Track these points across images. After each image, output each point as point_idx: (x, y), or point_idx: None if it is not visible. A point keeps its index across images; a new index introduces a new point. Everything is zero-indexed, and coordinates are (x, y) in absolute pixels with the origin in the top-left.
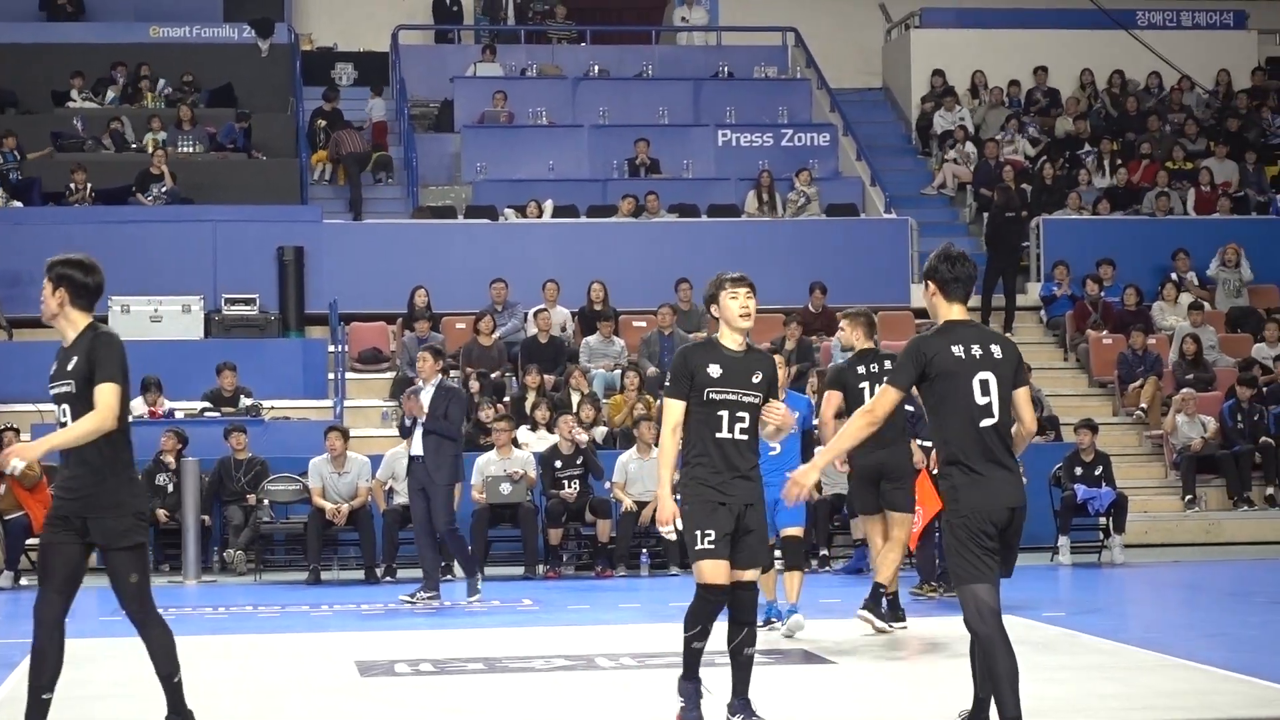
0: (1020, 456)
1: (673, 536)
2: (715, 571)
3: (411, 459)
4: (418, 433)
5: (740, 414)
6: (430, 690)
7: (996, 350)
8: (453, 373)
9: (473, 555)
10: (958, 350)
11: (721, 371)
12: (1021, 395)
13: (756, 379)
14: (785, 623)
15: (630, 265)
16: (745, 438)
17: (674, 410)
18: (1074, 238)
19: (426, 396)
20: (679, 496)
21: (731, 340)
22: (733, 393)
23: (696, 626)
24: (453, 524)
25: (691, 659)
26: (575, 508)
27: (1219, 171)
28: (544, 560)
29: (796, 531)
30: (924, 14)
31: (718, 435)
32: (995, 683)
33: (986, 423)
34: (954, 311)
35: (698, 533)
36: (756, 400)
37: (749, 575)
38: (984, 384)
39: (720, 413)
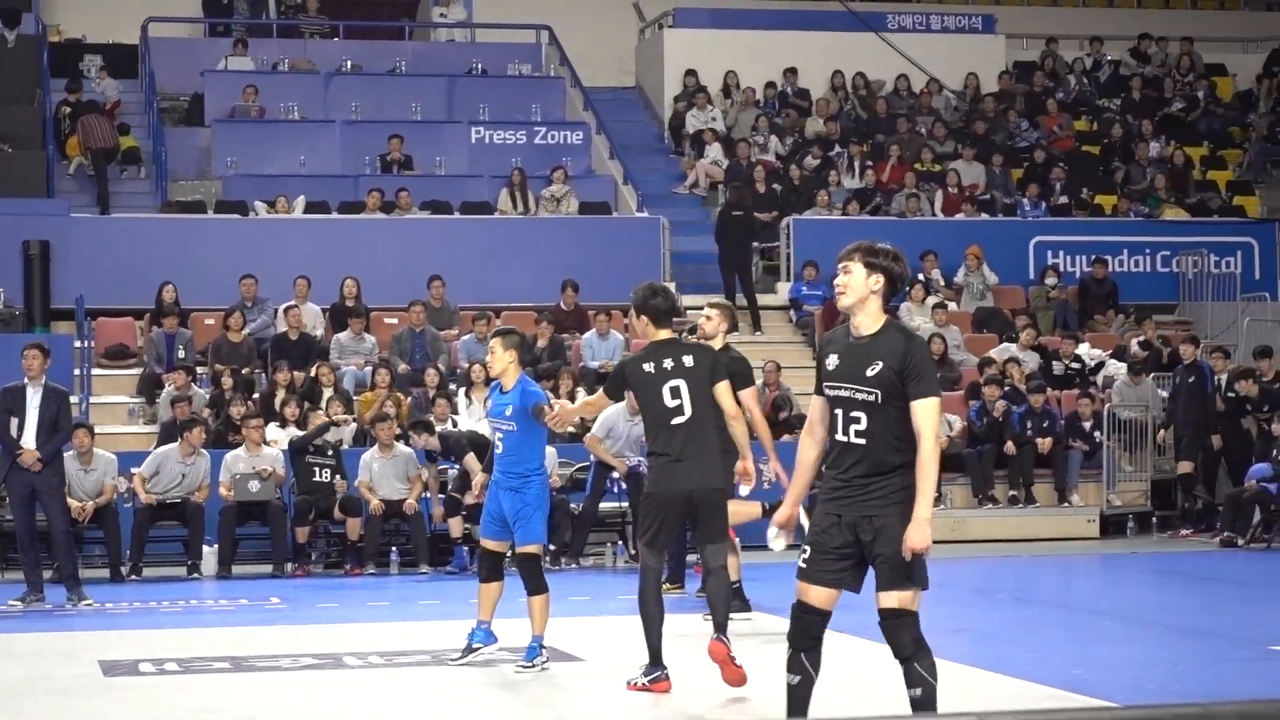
0: (759, 445)
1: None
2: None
3: (15, 464)
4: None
5: (854, 413)
6: (175, 689)
7: (688, 360)
8: (199, 370)
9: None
10: (648, 366)
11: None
12: (719, 389)
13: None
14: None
15: (382, 262)
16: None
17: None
18: (824, 238)
19: (34, 397)
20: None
21: (853, 326)
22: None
23: None
24: (70, 524)
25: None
26: (325, 505)
27: (966, 174)
28: (292, 558)
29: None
30: (677, 14)
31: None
32: (647, 624)
33: (677, 421)
34: (661, 334)
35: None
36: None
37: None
38: (674, 389)
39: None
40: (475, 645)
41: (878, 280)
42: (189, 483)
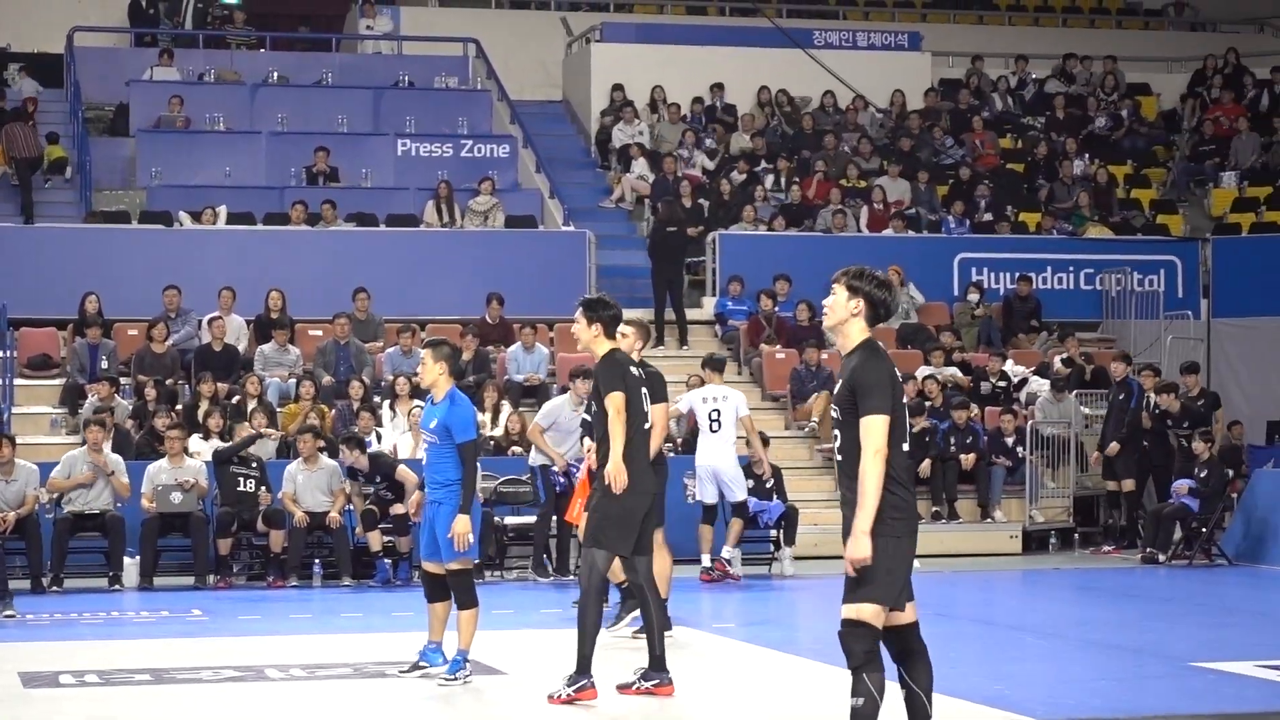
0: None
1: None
2: None
3: None
4: None
5: (835, 430)
6: (95, 702)
7: (638, 371)
8: (122, 381)
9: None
10: (634, 370)
11: None
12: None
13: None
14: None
15: (307, 274)
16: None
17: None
18: (750, 253)
19: None
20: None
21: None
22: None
23: None
24: None
25: None
26: (248, 517)
27: (892, 190)
28: (215, 570)
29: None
30: (604, 28)
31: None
32: (587, 631)
33: (646, 426)
34: (609, 344)
35: None
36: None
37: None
38: (645, 396)
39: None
40: (422, 664)
41: (858, 304)
42: (99, 483)
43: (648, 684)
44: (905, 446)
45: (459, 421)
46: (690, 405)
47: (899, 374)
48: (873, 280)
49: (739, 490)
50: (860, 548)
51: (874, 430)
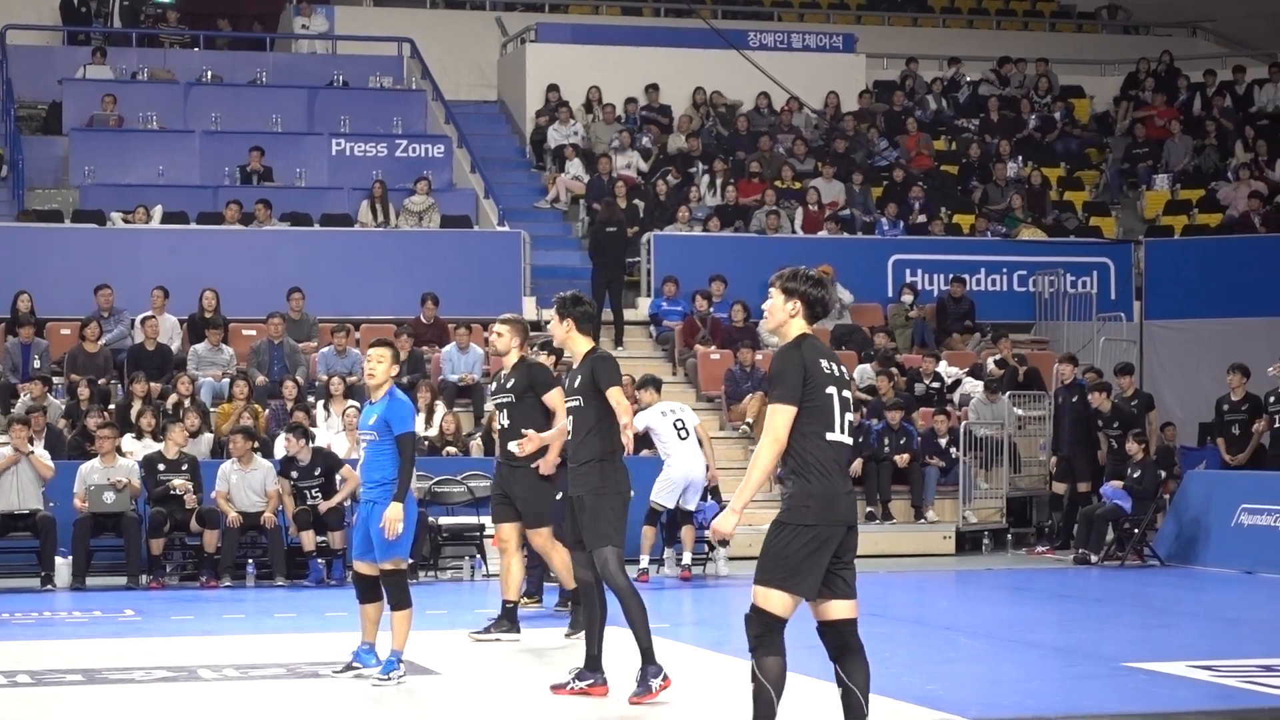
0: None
1: None
2: None
3: None
4: None
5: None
6: (26, 702)
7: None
8: (55, 380)
9: None
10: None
11: None
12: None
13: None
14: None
15: (241, 273)
16: None
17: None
18: (685, 254)
19: None
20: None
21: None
22: None
23: None
24: None
25: None
26: (181, 517)
27: (826, 191)
28: (147, 570)
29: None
30: (539, 29)
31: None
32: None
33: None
34: (586, 342)
35: None
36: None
37: None
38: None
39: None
40: (355, 665)
41: (795, 305)
42: (25, 474)
43: (582, 684)
44: (833, 436)
45: (398, 415)
46: (647, 424)
47: (836, 365)
48: (807, 280)
49: (696, 498)
50: (725, 522)
51: (773, 418)
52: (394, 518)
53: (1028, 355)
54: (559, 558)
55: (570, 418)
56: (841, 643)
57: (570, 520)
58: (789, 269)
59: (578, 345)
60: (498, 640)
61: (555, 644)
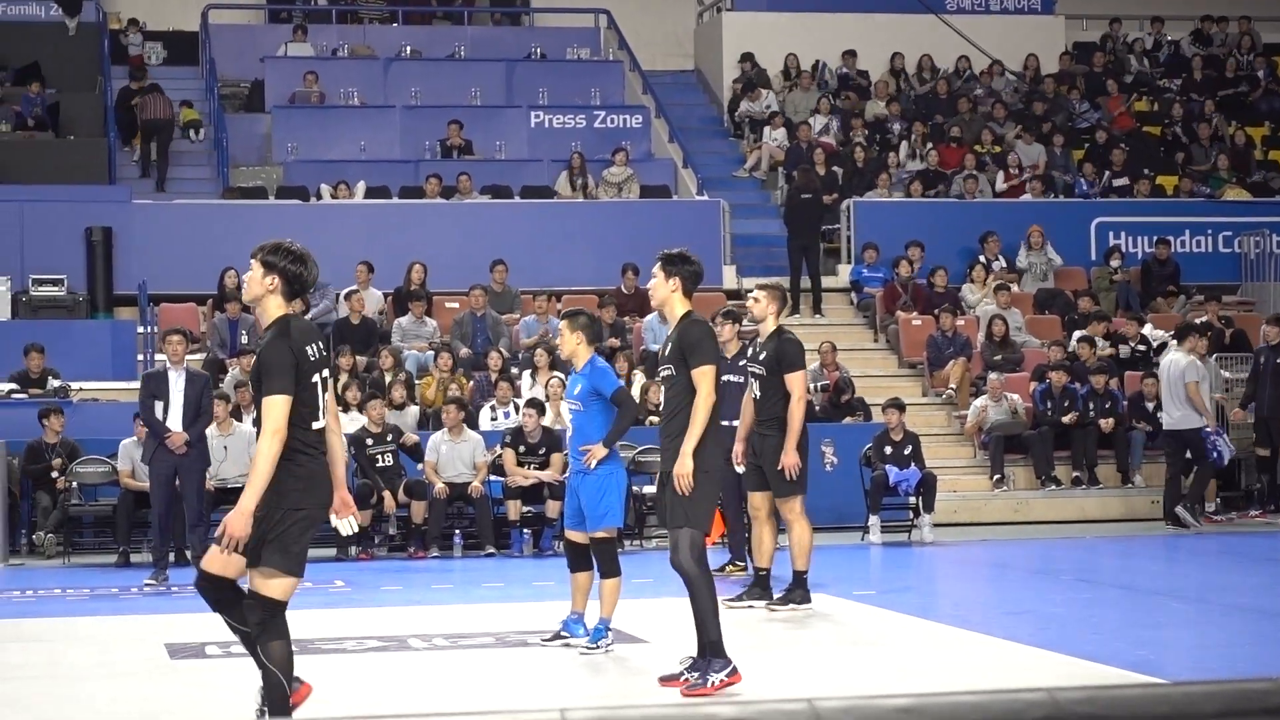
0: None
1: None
2: None
3: (162, 446)
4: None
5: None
6: (241, 672)
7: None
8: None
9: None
10: None
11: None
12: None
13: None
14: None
15: (443, 246)
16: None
17: None
18: (884, 220)
19: (177, 382)
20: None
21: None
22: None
23: None
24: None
25: None
26: (390, 490)
27: (1026, 155)
28: (356, 542)
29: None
30: None
31: None
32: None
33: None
34: (686, 305)
35: None
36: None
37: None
38: None
39: None
40: (563, 634)
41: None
42: (234, 453)
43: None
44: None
45: (605, 379)
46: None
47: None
48: (287, 255)
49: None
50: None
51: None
52: (597, 455)
53: (1234, 317)
54: (800, 531)
55: (662, 388)
56: None
57: (659, 498)
58: (270, 242)
59: (676, 307)
60: (792, 610)
61: (759, 616)
